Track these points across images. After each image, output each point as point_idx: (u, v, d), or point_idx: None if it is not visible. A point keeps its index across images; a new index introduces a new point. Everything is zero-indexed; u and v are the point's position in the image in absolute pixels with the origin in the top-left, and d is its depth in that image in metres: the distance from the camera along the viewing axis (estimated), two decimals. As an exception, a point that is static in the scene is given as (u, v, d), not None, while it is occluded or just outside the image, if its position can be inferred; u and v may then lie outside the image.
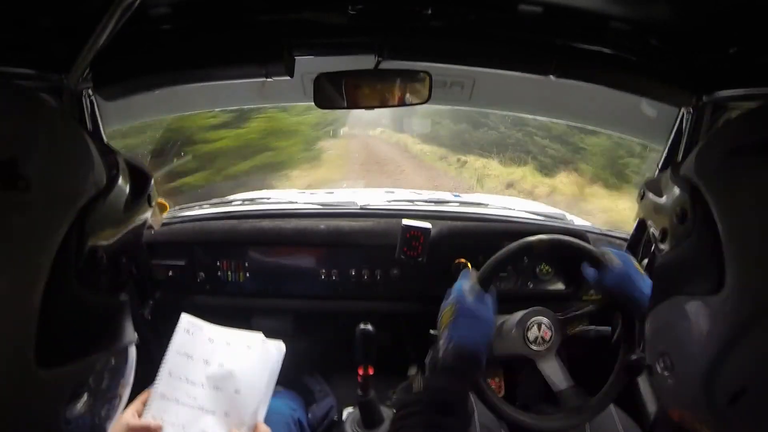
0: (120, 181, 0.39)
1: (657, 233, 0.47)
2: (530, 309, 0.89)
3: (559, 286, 1.23)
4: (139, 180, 0.42)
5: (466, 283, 0.80)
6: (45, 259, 0.32)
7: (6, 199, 0.30)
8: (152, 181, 0.44)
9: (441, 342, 0.75)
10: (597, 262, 0.83)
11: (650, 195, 0.50)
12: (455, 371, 0.72)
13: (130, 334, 0.43)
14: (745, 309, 0.35)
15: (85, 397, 0.38)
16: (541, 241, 0.85)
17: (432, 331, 1.07)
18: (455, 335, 0.74)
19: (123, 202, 0.40)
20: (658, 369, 0.43)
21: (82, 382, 0.37)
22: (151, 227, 0.46)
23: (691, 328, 0.40)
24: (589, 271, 0.84)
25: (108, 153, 0.39)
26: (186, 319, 0.92)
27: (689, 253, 0.41)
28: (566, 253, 0.87)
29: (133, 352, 0.44)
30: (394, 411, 0.72)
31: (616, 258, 0.83)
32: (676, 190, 0.44)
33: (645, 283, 0.79)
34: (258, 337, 0.93)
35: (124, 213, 0.40)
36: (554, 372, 0.86)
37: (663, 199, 0.46)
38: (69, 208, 0.34)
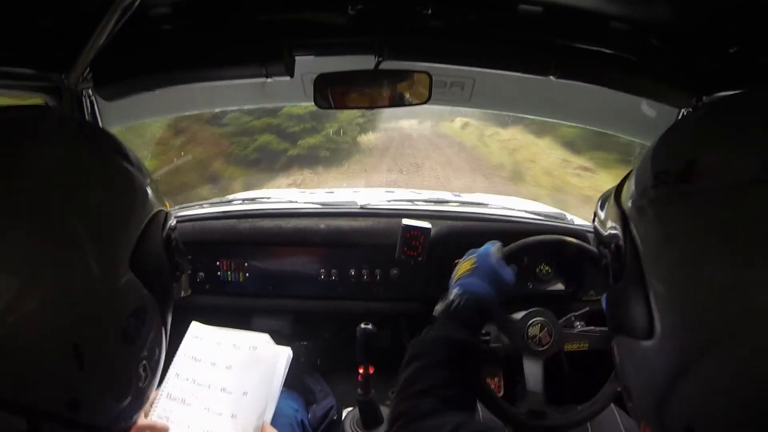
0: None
1: (605, 263, 0.48)
2: (534, 309, 0.89)
3: (559, 286, 1.23)
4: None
5: (491, 248, 0.82)
6: (144, 216, 0.50)
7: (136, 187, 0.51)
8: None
9: (454, 292, 0.75)
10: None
11: (596, 221, 0.50)
12: (469, 323, 0.73)
13: (168, 315, 0.56)
14: (674, 356, 0.36)
15: (135, 323, 0.47)
16: (571, 243, 0.89)
17: None
18: (472, 286, 0.75)
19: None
20: (624, 394, 0.46)
21: (142, 305, 0.48)
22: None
23: (634, 367, 0.42)
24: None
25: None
26: (195, 326, 0.93)
27: (623, 295, 0.42)
28: (591, 262, 0.91)
29: (164, 342, 0.55)
30: (407, 360, 0.68)
31: None
32: (613, 219, 0.44)
33: None
34: (264, 338, 0.93)
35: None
36: (534, 374, 0.85)
37: (604, 229, 0.47)
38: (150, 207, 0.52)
